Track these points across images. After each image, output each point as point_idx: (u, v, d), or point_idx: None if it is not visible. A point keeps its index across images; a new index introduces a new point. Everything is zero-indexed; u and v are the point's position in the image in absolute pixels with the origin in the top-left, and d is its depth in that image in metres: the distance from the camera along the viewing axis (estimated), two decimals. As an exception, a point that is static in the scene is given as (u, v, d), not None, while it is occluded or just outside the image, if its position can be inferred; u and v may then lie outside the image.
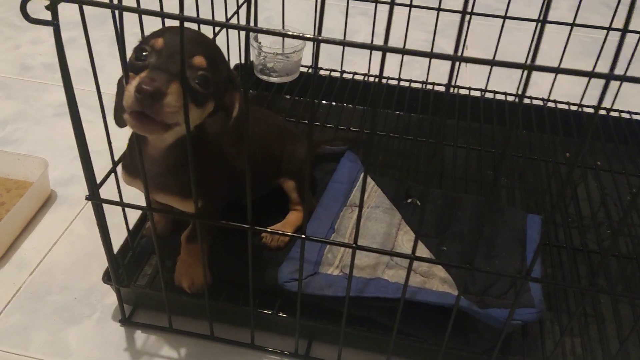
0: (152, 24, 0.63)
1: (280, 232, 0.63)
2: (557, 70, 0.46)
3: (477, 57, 0.46)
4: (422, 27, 1.28)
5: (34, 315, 0.77)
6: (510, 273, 0.77)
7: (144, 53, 0.56)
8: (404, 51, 0.46)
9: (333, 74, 1.24)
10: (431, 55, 0.47)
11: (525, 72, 0.46)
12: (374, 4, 1.13)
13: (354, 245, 0.57)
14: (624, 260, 0.89)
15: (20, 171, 0.95)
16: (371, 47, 0.46)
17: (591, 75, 0.46)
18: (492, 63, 0.47)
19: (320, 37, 0.46)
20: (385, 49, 0.45)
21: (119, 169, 0.72)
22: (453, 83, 1.19)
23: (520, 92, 0.46)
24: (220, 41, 0.77)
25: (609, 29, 1.05)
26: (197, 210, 0.61)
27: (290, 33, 0.47)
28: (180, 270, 0.76)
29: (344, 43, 0.46)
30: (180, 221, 0.83)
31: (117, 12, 0.51)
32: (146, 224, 0.85)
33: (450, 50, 0.46)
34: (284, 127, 0.91)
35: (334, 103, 1.20)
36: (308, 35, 0.46)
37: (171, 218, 0.85)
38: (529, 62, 0.45)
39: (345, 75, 1.24)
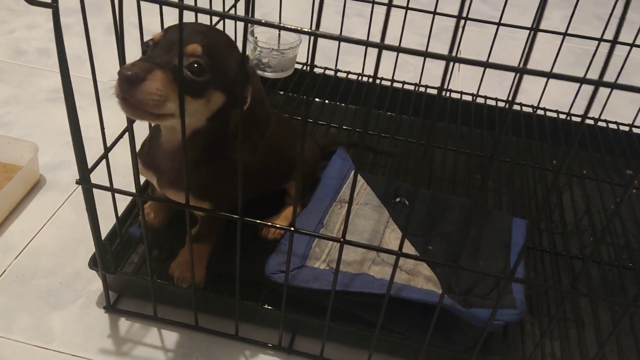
0: (151, 16, 0.63)
1: (269, 224, 0.63)
2: (549, 75, 0.47)
3: (470, 59, 0.47)
4: (416, 30, 1.30)
5: (19, 298, 0.77)
6: (494, 274, 0.78)
7: (147, 48, 0.58)
8: (399, 49, 0.47)
9: (327, 72, 1.25)
10: (426, 54, 0.48)
11: (517, 76, 0.47)
12: (370, 5, 1.14)
13: (342, 239, 0.58)
14: (605, 267, 0.90)
15: (10, 155, 0.94)
16: (368, 43, 0.47)
17: (582, 81, 0.47)
18: (485, 65, 0.48)
19: (318, 32, 0.46)
20: (381, 46, 0.46)
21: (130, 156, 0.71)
22: (446, 86, 1.20)
23: (511, 96, 0.47)
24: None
25: (600, 39, 1.07)
26: (187, 200, 0.61)
27: (288, 26, 0.48)
28: (177, 262, 0.77)
29: (340, 38, 0.47)
30: (179, 215, 0.83)
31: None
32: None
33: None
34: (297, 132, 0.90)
35: (327, 101, 1.21)
36: (306, 29, 0.47)
37: (168, 212, 0.85)
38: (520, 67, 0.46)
39: (339, 74, 1.25)
